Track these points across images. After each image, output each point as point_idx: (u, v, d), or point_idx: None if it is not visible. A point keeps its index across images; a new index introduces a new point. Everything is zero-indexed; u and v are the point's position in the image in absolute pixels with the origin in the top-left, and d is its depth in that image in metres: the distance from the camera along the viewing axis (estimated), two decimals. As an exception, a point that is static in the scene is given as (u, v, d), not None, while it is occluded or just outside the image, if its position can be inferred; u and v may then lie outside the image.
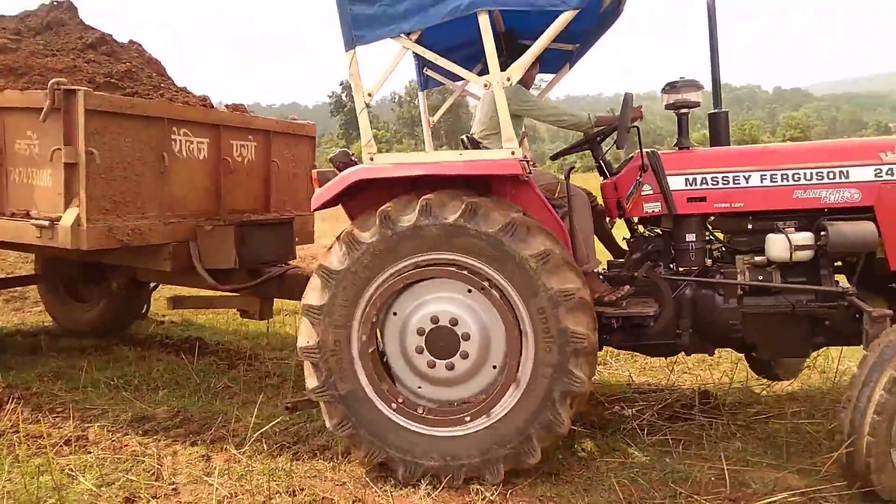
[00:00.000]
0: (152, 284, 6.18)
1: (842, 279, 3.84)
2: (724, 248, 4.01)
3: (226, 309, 6.22)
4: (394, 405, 3.53)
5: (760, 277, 3.77)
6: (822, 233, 3.62)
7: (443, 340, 3.49)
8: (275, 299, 5.35)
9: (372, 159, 3.61)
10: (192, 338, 6.36)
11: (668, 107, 3.98)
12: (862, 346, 3.52)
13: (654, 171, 3.86)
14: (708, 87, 4.13)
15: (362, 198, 3.71)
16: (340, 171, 3.75)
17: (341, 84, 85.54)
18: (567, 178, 4.02)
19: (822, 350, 4.64)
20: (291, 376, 5.11)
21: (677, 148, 4.04)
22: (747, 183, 3.77)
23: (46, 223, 4.18)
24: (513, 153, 3.52)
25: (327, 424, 3.60)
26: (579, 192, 4.04)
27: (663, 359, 5.22)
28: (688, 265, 3.89)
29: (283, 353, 5.90)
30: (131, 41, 5.82)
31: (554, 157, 5.20)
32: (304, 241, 5.79)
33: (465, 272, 3.44)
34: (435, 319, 3.50)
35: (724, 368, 5.22)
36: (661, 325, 3.81)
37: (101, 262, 5.13)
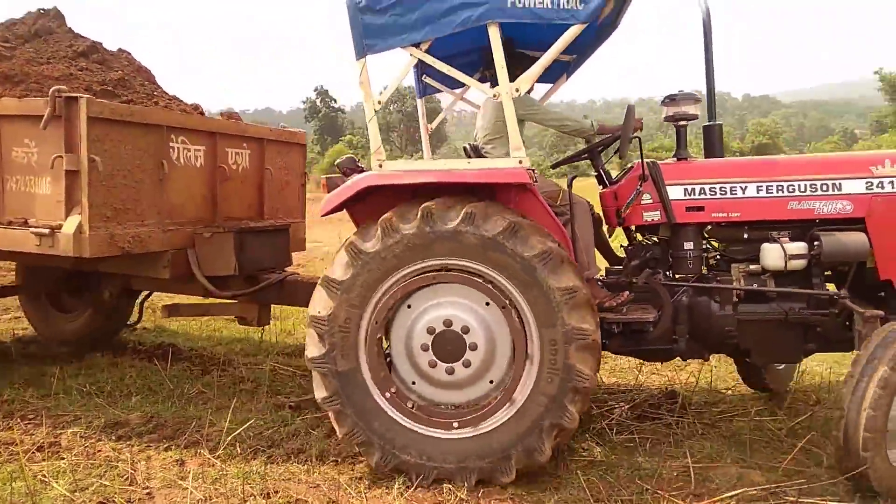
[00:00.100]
0: (144, 293, 6.11)
1: (831, 288, 3.96)
2: (719, 257, 4.12)
3: (224, 317, 6.17)
4: (387, 394, 3.58)
5: (755, 285, 3.88)
6: (816, 243, 3.74)
7: (450, 344, 3.54)
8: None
9: (381, 166, 3.67)
10: (164, 344, 6.35)
11: (667, 119, 4.09)
12: (855, 346, 3.65)
13: (654, 180, 3.96)
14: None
15: (367, 203, 3.75)
16: (347, 176, 3.82)
17: (315, 90, 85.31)
18: (569, 186, 4.10)
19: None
20: (266, 381, 5.13)
21: (676, 158, 4.14)
22: (744, 194, 3.87)
23: (46, 231, 4.15)
24: (520, 162, 3.60)
25: (316, 395, 3.63)
26: (580, 200, 4.13)
27: (632, 360, 5.34)
28: (685, 273, 3.99)
29: (256, 358, 5.92)
30: (121, 49, 5.80)
31: (554, 166, 5.30)
32: (296, 248, 5.80)
33: (489, 285, 3.49)
34: (448, 323, 3.55)
35: (692, 370, 5.35)
36: (660, 330, 3.90)
37: (84, 271, 5.09)
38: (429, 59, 3.71)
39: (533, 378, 3.45)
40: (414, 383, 3.67)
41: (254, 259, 4.91)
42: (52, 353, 5.95)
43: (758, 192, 3.86)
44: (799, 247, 3.76)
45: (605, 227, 4.44)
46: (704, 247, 4.11)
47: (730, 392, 5.04)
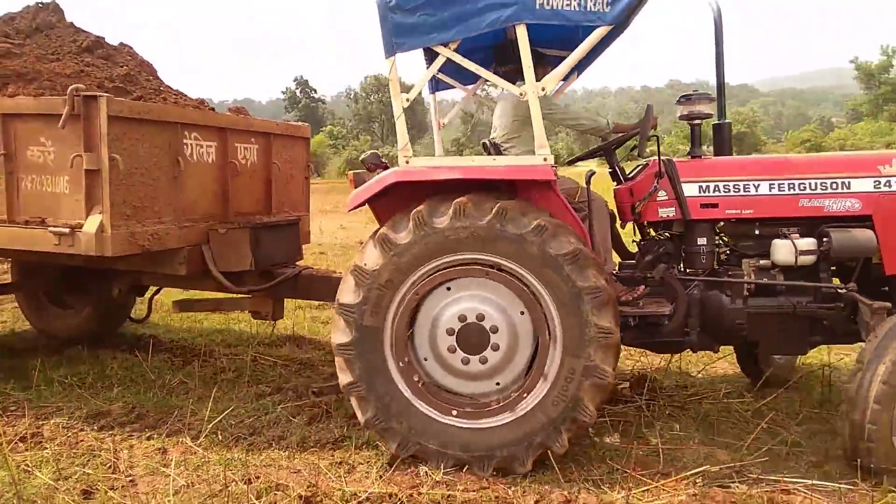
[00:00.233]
0: (152, 289, 6.05)
1: (836, 282, 4.10)
2: (730, 252, 4.23)
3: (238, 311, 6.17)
4: (415, 378, 3.68)
5: (765, 280, 4.01)
6: (825, 239, 3.87)
7: (474, 337, 3.63)
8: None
9: (408, 162, 3.74)
10: (145, 335, 6.39)
11: (682, 117, 4.21)
12: (861, 337, 3.82)
13: (670, 177, 4.06)
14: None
15: (389, 199, 3.80)
16: (371, 171, 3.91)
17: (295, 80, 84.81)
18: (588, 183, 4.19)
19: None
20: (247, 371, 5.21)
21: (690, 156, 4.25)
22: (757, 191, 3.99)
23: (66, 231, 4.15)
24: (545, 159, 3.68)
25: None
26: (597, 197, 4.24)
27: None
28: (697, 267, 4.11)
29: (237, 348, 5.98)
30: (122, 44, 5.75)
31: (570, 163, 5.38)
32: (302, 241, 5.82)
33: (525, 288, 3.56)
34: (480, 317, 3.63)
35: (664, 355, 5.48)
36: (675, 323, 4.01)
37: (85, 267, 5.07)
38: (457, 58, 3.77)
39: (544, 390, 3.55)
40: (426, 359, 3.73)
41: (268, 254, 4.96)
42: (33, 346, 5.97)
43: (770, 190, 3.98)
44: (809, 243, 3.88)
45: (617, 223, 4.52)
46: (716, 242, 4.21)
47: (700, 376, 5.19)
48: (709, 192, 4.02)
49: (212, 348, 5.79)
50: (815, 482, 3.44)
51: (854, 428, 3.36)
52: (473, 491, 3.44)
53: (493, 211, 3.46)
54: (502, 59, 4.17)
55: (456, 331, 3.63)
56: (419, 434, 3.62)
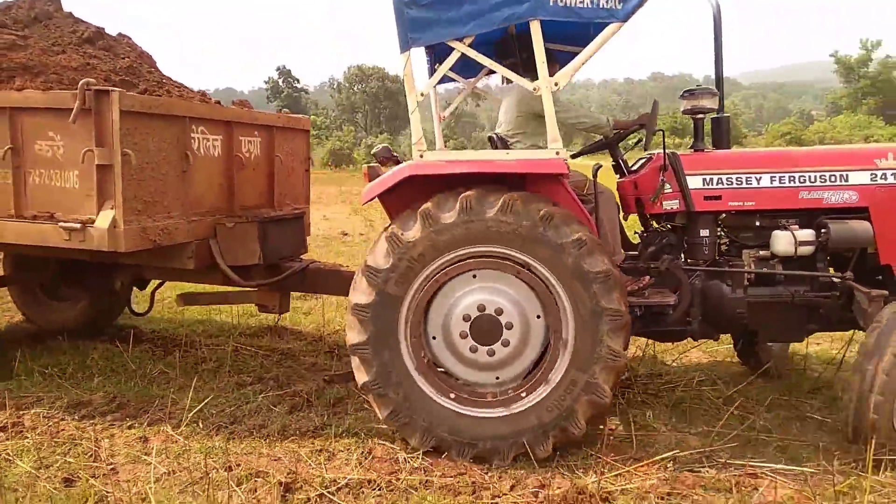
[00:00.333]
0: (155, 283, 6.06)
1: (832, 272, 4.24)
2: (730, 243, 4.34)
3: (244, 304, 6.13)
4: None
5: (767, 270, 4.12)
6: (823, 230, 4.00)
7: (487, 325, 3.69)
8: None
9: (422, 156, 3.78)
10: (126, 326, 6.39)
11: (685, 112, 4.28)
12: (857, 325, 4.02)
13: (675, 170, 4.15)
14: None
15: (400, 191, 3.84)
16: (383, 164, 3.95)
17: (278, 69, 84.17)
18: (595, 176, 4.27)
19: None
20: (228, 361, 5.24)
21: (692, 150, 4.34)
22: (758, 184, 4.09)
23: (77, 226, 4.13)
24: (557, 153, 3.74)
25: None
26: (604, 189, 4.31)
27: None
28: (700, 258, 4.21)
29: (218, 339, 6.00)
30: (121, 34, 5.67)
31: (574, 156, 5.44)
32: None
33: (549, 294, 3.63)
34: (499, 311, 3.68)
35: (639, 343, 5.59)
36: (679, 313, 4.11)
37: (82, 260, 5.01)
38: (472, 53, 3.80)
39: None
40: (434, 337, 3.79)
41: (275, 248, 4.97)
42: (14, 337, 5.96)
43: (772, 183, 4.08)
44: (808, 234, 4.00)
45: (620, 214, 4.59)
46: (718, 234, 4.32)
47: (674, 364, 5.30)
48: (712, 184, 4.12)
49: (193, 339, 5.82)
50: (781, 466, 3.55)
51: (857, 415, 3.48)
52: (451, 476, 3.53)
53: (540, 214, 3.52)
54: (503, 54, 4.22)
55: (472, 318, 3.69)
56: (413, 409, 3.68)
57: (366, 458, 3.73)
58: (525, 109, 4.49)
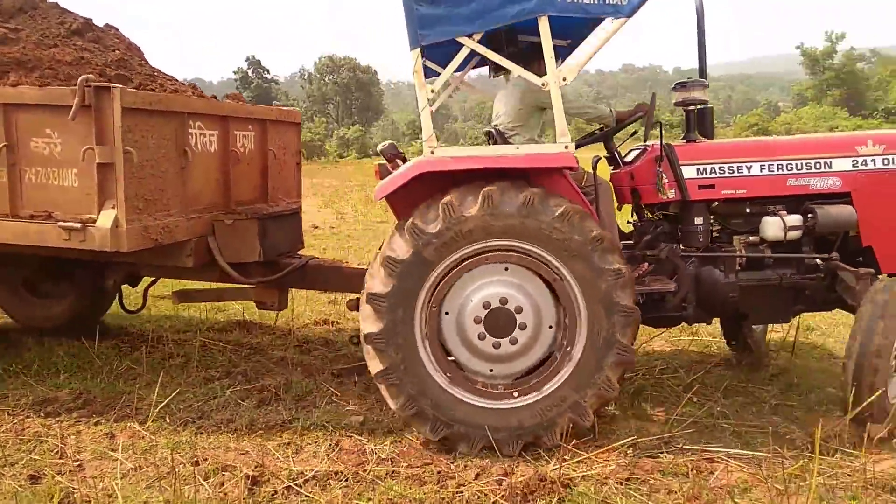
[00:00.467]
0: (148, 280, 5.92)
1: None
2: (721, 230, 4.47)
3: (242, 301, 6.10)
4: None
5: (761, 254, 4.28)
6: (810, 215, 4.16)
7: (502, 320, 3.75)
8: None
9: (433, 152, 3.79)
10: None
11: (677, 104, 4.40)
12: (846, 301, 4.18)
13: (670, 161, 4.26)
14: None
15: (407, 187, 3.85)
16: (389, 161, 3.98)
17: (247, 59, 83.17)
18: (594, 168, 4.35)
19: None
20: (195, 356, 5.24)
21: (685, 141, 4.45)
22: (749, 172, 4.24)
23: (77, 226, 4.05)
24: (566, 147, 3.80)
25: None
26: (603, 181, 4.40)
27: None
28: (695, 245, 4.33)
29: (186, 334, 5.99)
30: (108, 25, 5.53)
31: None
32: None
33: (569, 305, 3.71)
34: (518, 309, 3.75)
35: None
36: (678, 299, 4.23)
37: (67, 257, 4.87)
38: (481, 50, 3.84)
39: (545, 394, 3.72)
40: (447, 313, 3.82)
41: (274, 244, 4.94)
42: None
43: (761, 171, 4.24)
44: (796, 219, 4.17)
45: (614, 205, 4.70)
46: (711, 221, 4.44)
47: (636, 353, 5.41)
48: (706, 174, 4.25)
49: (160, 334, 5.79)
50: (736, 451, 3.67)
51: (856, 385, 3.66)
52: (417, 467, 3.60)
53: (591, 239, 3.61)
54: (495, 48, 4.27)
55: (491, 307, 3.74)
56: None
57: (333, 451, 3.78)
58: (527, 102, 4.55)
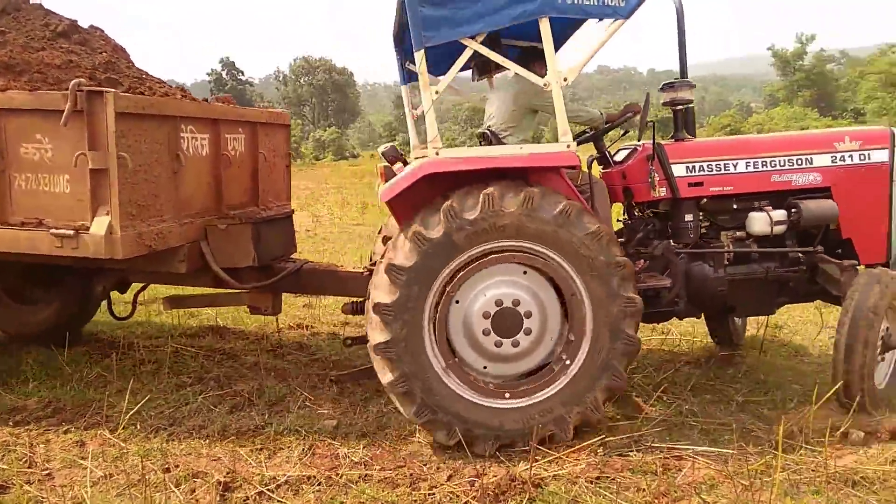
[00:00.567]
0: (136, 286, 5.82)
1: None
2: (709, 226, 4.58)
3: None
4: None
5: (749, 249, 4.42)
6: (794, 210, 4.33)
7: (509, 321, 3.79)
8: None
9: (438, 154, 3.79)
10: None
11: (665, 103, 4.50)
12: (829, 292, 4.37)
13: (660, 160, 4.35)
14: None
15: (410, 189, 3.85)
16: (392, 163, 4.03)
17: (221, 61, 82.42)
18: (589, 167, 4.43)
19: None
20: (167, 362, 5.20)
21: (673, 139, 4.54)
22: (735, 169, 4.37)
23: (70, 233, 3.97)
24: (568, 146, 3.85)
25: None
26: (597, 180, 4.46)
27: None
28: (685, 241, 4.44)
29: (158, 340, 5.94)
30: (93, 26, 5.43)
31: None
32: None
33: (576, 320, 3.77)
34: (528, 314, 3.80)
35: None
36: (673, 294, 4.31)
37: (51, 263, 4.75)
38: (484, 51, 3.87)
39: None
40: (458, 301, 3.82)
41: (269, 248, 4.91)
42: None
43: (747, 168, 4.39)
44: (781, 214, 4.32)
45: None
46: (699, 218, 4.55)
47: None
48: (695, 171, 4.37)
49: (131, 340, 5.74)
50: (703, 448, 3.73)
51: (846, 373, 3.88)
52: (390, 469, 3.61)
53: (615, 264, 3.69)
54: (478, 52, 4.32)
55: (503, 305, 3.77)
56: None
57: (306, 455, 3.78)
58: (521, 104, 4.61)
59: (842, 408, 3.92)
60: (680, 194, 4.37)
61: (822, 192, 4.42)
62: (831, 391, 3.83)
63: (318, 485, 3.47)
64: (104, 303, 5.83)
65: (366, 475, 3.56)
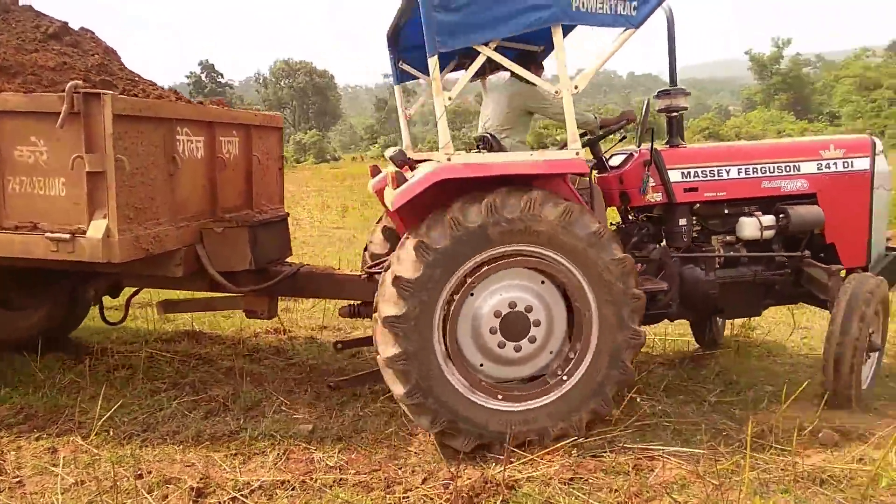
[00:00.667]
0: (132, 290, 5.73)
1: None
2: (700, 230, 4.68)
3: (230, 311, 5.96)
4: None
5: (742, 254, 4.56)
6: (782, 215, 4.48)
7: (520, 324, 3.82)
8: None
9: (450, 159, 3.78)
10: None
11: (660, 110, 4.59)
12: (814, 296, 4.56)
13: (657, 165, 4.43)
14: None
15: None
16: (400, 168, 4.03)
17: (200, 63, 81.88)
18: (590, 172, 4.42)
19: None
20: (141, 367, 5.16)
21: (668, 145, 4.62)
22: (728, 175, 4.50)
23: (66, 236, 3.92)
24: (577, 153, 3.87)
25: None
26: (595, 185, 4.51)
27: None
28: (678, 245, 4.53)
29: (133, 345, 5.88)
30: (83, 28, 5.36)
31: None
32: None
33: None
34: (537, 323, 3.85)
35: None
36: (668, 297, 4.38)
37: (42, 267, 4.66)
38: (497, 57, 3.89)
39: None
40: (472, 294, 3.83)
41: (265, 252, 4.88)
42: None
43: (739, 174, 4.52)
44: (770, 219, 4.45)
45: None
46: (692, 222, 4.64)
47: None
48: (690, 177, 4.48)
49: (105, 346, 5.69)
50: (675, 448, 3.78)
51: (837, 373, 4.07)
52: (365, 473, 3.62)
53: (631, 296, 3.77)
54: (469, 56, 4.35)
55: (515, 307, 3.80)
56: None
57: (281, 460, 3.77)
58: (516, 106, 4.66)
59: (830, 409, 4.05)
60: (676, 199, 4.46)
61: (808, 198, 4.55)
62: (798, 390, 3.89)
63: (293, 489, 3.46)
64: (94, 308, 5.76)
65: (341, 479, 3.56)
